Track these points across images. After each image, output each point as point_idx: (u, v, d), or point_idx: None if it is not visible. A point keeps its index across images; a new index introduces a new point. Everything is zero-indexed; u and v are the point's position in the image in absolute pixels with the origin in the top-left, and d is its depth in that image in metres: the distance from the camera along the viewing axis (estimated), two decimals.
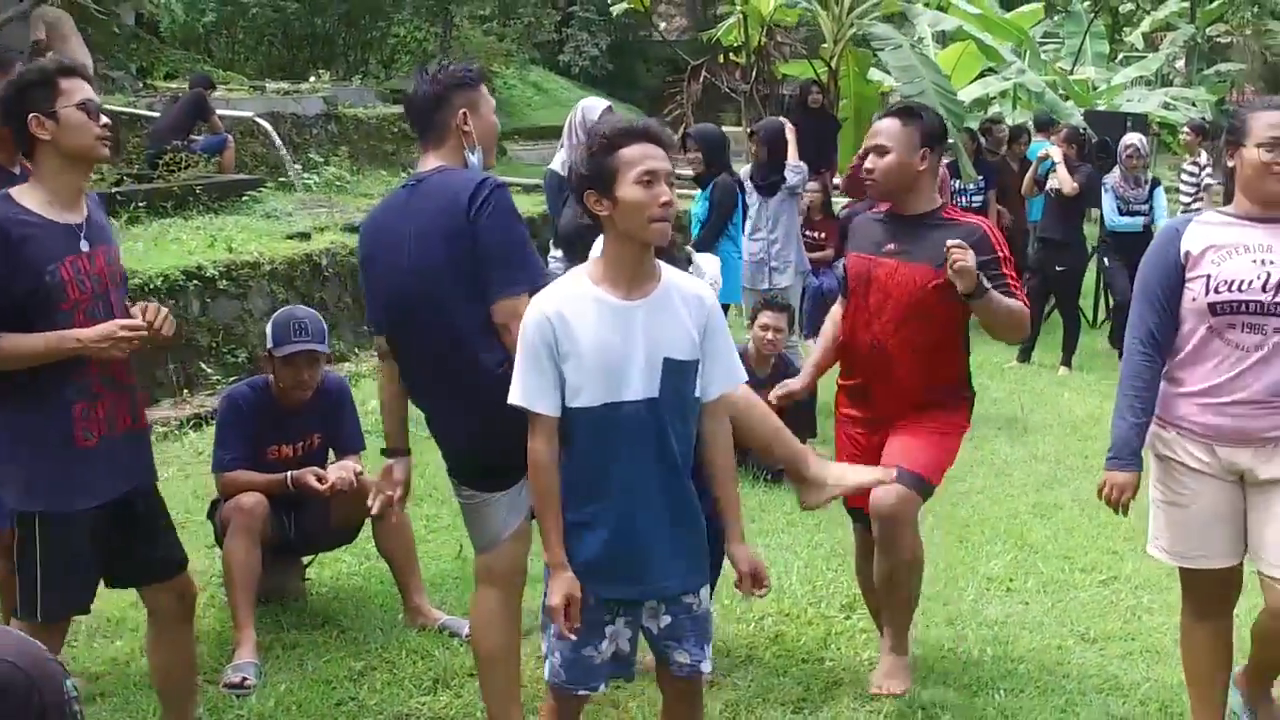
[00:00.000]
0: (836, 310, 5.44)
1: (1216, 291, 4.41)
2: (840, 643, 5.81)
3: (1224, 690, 4.82)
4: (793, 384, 5.43)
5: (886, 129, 5.10)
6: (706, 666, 4.04)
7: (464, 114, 4.44)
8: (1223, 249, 4.44)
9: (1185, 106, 26.01)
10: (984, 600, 6.39)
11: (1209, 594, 4.70)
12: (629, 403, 3.75)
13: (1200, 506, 4.58)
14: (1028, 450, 9.42)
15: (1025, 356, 12.70)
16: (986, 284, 4.80)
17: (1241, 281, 4.38)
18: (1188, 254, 4.49)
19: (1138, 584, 6.66)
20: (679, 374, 3.81)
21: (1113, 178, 12.64)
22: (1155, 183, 12.73)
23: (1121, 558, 7.06)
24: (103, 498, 4.17)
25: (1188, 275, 4.48)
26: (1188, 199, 16.46)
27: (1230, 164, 4.54)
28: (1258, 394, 4.40)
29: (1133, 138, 12.65)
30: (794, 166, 10.39)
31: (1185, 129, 17.52)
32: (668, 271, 3.91)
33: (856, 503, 5.24)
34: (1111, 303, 13.31)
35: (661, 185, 3.74)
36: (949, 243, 4.75)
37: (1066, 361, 12.51)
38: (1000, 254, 5.01)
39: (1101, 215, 13.14)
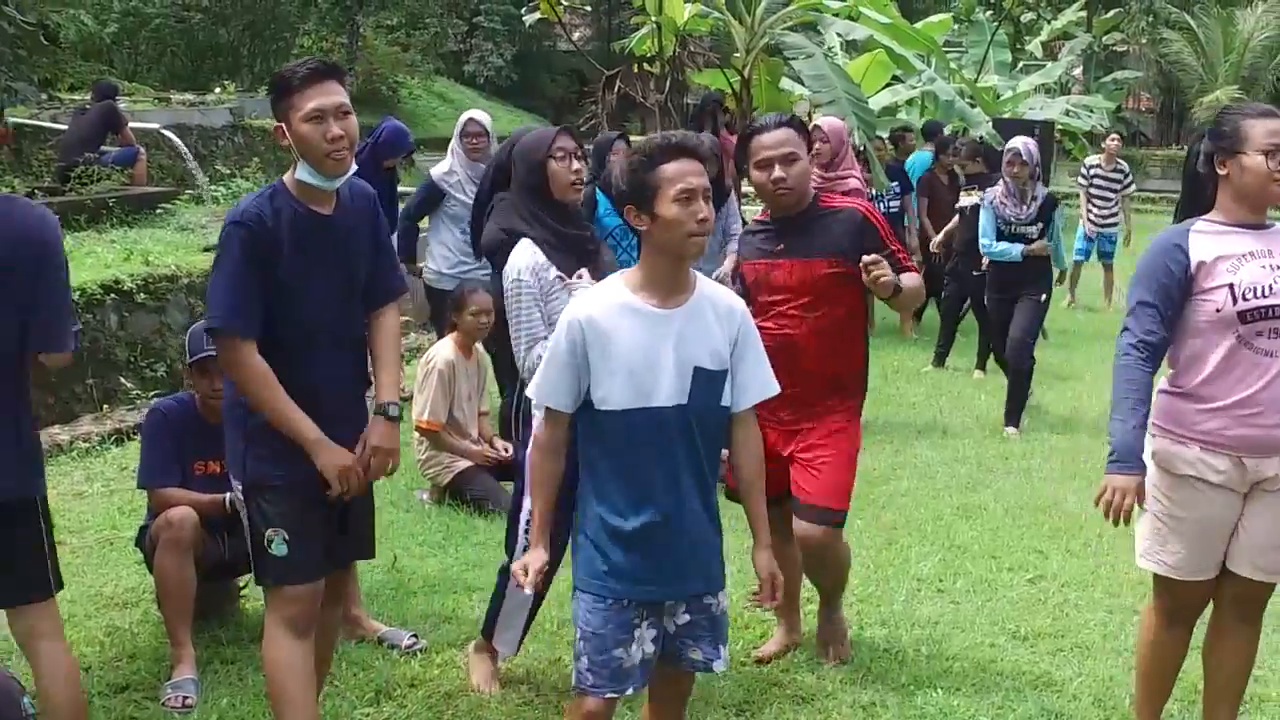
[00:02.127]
0: None
1: (1245, 299, 4.35)
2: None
3: (1170, 691, 4.91)
4: None
5: (790, 138, 5.25)
6: (720, 665, 4.13)
7: (280, 128, 4.33)
8: (1232, 257, 4.41)
9: (1085, 113, 26.43)
10: (915, 601, 6.46)
11: (1191, 603, 4.71)
12: (659, 408, 3.86)
13: (1209, 519, 4.52)
14: (949, 453, 9.53)
15: (940, 361, 12.82)
16: (899, 282, 5.04)
17: (1263, 287, 4.35)
18: (1200, 264, 4.42)
19: (1064, 581, 6.78)
20: (708, 383, 3.92)
21: (995, 193, 10.56)
22: (1051, 202, 10.53)
23: (1047, 556, 7.18)
24: None
25: (1204, 286, 4.42)
26: (1104, 208, 16.71)
27: (1222, 173, 4.49)
28: None
29: (1017, 141, 10.54)
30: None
31: (1113, 136, 17.71)
32: (702, 283, 4.02)
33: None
34: (992, 325, 11.18)
35: (699, 202, 3.86)
36: (864, 260, 4.94)
37: (981, 365, 12.62)
38: (881, 231, 5.28)
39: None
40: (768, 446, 5.17)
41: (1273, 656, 5.56)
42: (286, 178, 4.39)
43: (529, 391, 4.05)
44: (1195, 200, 4.63)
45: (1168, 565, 4.62)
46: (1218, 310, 4.40)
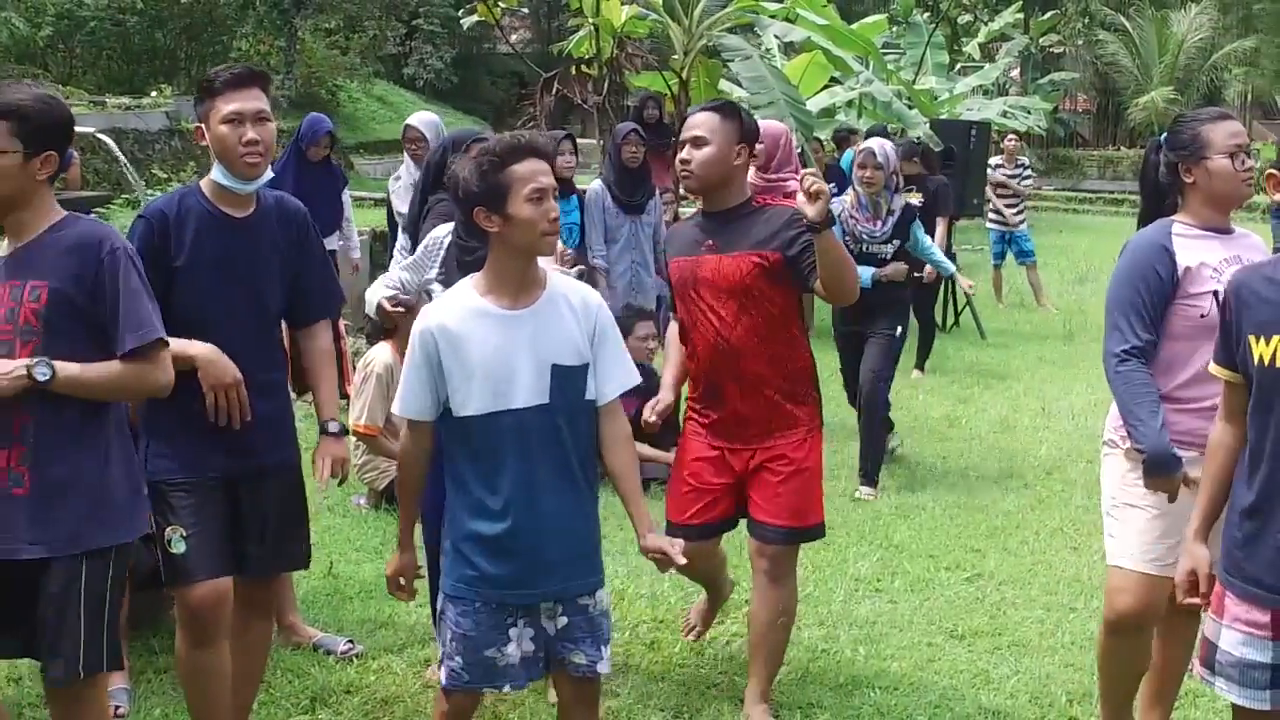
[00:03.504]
0: (673, 327, 5.43)
1: None
2: (716, 647, 5.85)
3: (1131, 697, 4.90)
4: (665, 399, 5.35)
5: (704, 121, 5.05)
6: (603, 667, 4.09)
7: (200, 129, 4.42)
8: (1213, 264, 4.44)
9: (1022, 114, 26.62)
10: (853, 601, 6.48)
11: (1160, 605, 4.66)
12: (518, 410, 3.86)
13: (1174, 515, 4.46)
14: (888, 452, 9.53)
15: None
16: (826, 223, 4.73)
17: None
18: (1187, 269, 4.45)
19: (1001, 580, 6.81)
20: (569, 380, 3.93)
21: (844, 202, 8.75)
22: (909, 214, 8.96)
23: (984, 555, 7.21)
24: None
25: (1189, 291, 4.44)
26: (1011, 206, 16.87)
27: (1188, 180, 4.50)
28: None
29: (873, 141, 8.80)
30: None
31: (1010, 136, 17.94)
32: (553, 279, 4.01)
33: (672, 517, 5.26)
34: (840, 365, 9.38)
35: (550, 200, 3.87)
36: (803, 171, 4.79)
37: (920, 366, 12.69)
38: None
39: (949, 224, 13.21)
40: (722, 478, 5.16)
41: None
42: (204, 179, 4.45)
43: (393, 407, 4.10)
44: (1159, 211, 4.64)
45: (1159, 563, 4.54)
46: (1202, 316, 4.41)
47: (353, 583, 6.53)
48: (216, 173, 4.37)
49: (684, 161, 5.06)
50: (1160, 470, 4.37)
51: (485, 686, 4.04)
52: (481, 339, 3.87)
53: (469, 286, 3.98)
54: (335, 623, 6.03)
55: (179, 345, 4.13)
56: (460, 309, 3.92)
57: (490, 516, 3.90)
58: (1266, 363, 3.59)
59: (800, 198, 4.70)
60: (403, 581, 4.19)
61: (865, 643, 5.92)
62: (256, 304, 4.49)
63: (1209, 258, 4.46)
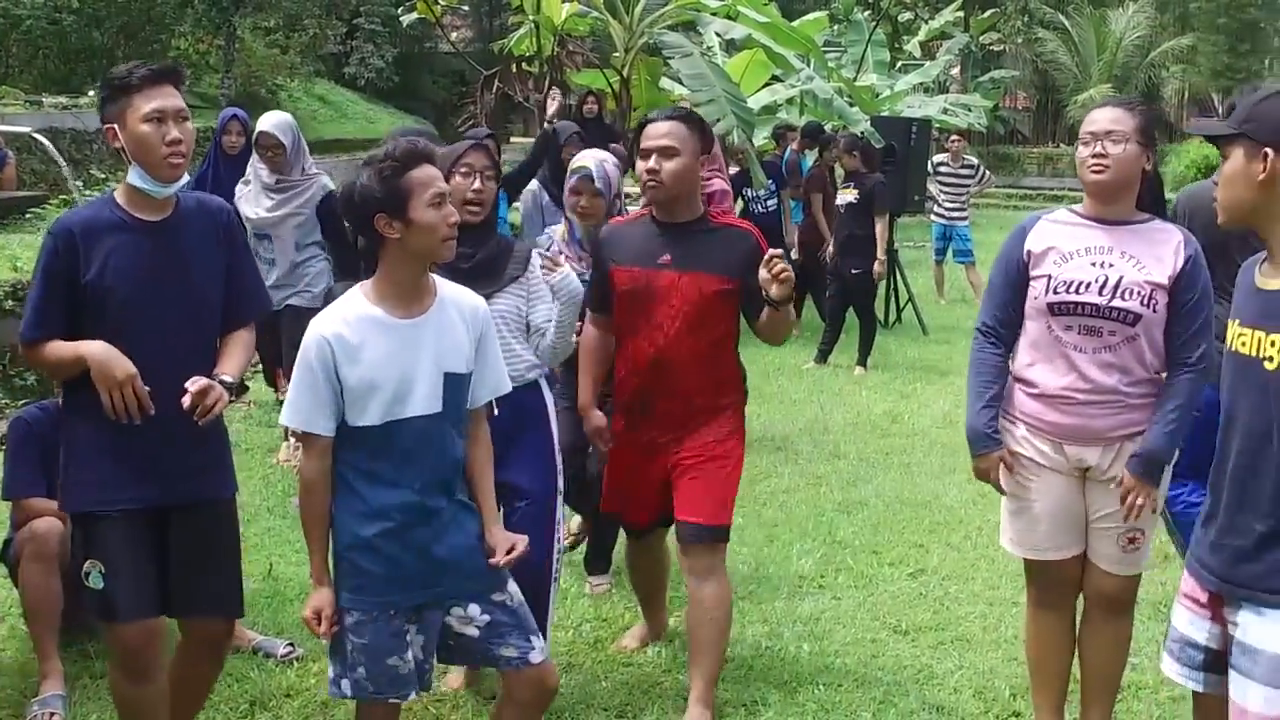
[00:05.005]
0: (590, 330, 5.39)
1: (1055, 292, 4.52)
2: (659, 646, 5.83)
3: (1065, 680, 4.94)
4: (597, 421, 5.37)
5: (673, 131, 5.01)
6: (536, 656, 4.10)
7: (112, 130, 4.14)
8: (1064, 250, 4.55)
9: (963, 112, 26.73)
10: (797, 598, 6.46)
11: (1052, 585, 4.79)
12: (413, 419, 3.87)
13: (1046, 501, 4.66)
14: (830, 449, 9.57)
15: (823, 358, 12.89)
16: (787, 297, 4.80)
17: (1080, 284, 4.49)
18: (1030, 252, 4.61)
19: (944, 575, 6.83)
20: (458, 387, 3.97)
21: (554, 234, 6.35)
22: None
23: (927, 550, 7.23)
24: None
25: (1033, 274, 4.60)
26: (952, 202, 17.00)
27: None
28: (1098, 394, 4.51)
29: (587, 159, 6.13)
30: None
31: (954, 137, 18.09)
32: (442, 286, 4.02)
33: (606, 508, 5.40)
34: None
35: (448, 205, 3.87)
36: (771, 252, 4.73)
37: (862, 362, 12.73)
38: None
39: (891, 221, 13.27)
40: (642, 474, 5.22)
41: (1149, 645, 5.61)
42: (118, 188, 4.25)
43: (282, 418, 3.98)
44: (1143, 205, 4.68)
45: (1015, 543, 4.80)
46: (1035, 298, 4.59)
47: (293, 584, 6.46)
48: (134, 176, 4.15)
49: (652, 172, 4.98)
50: (972, 451, 4.70)
51: (391, 696, 4.00)
52: (378, 348, 3.84)
53: (359, 295, 3.93)
54: (274, 625, 5.96)
55: (70, 346, 4.06)
56: (355, 318, 3.87)
57: (381, 524, 3.88)
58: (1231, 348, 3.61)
59: (764, 272, 4.69)
60: (324, 616, 3.92)
61: (809, 639, 5.91)
62: (186, 313, 4.27)
63: (1066, 244, 4.57)
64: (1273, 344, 3.42)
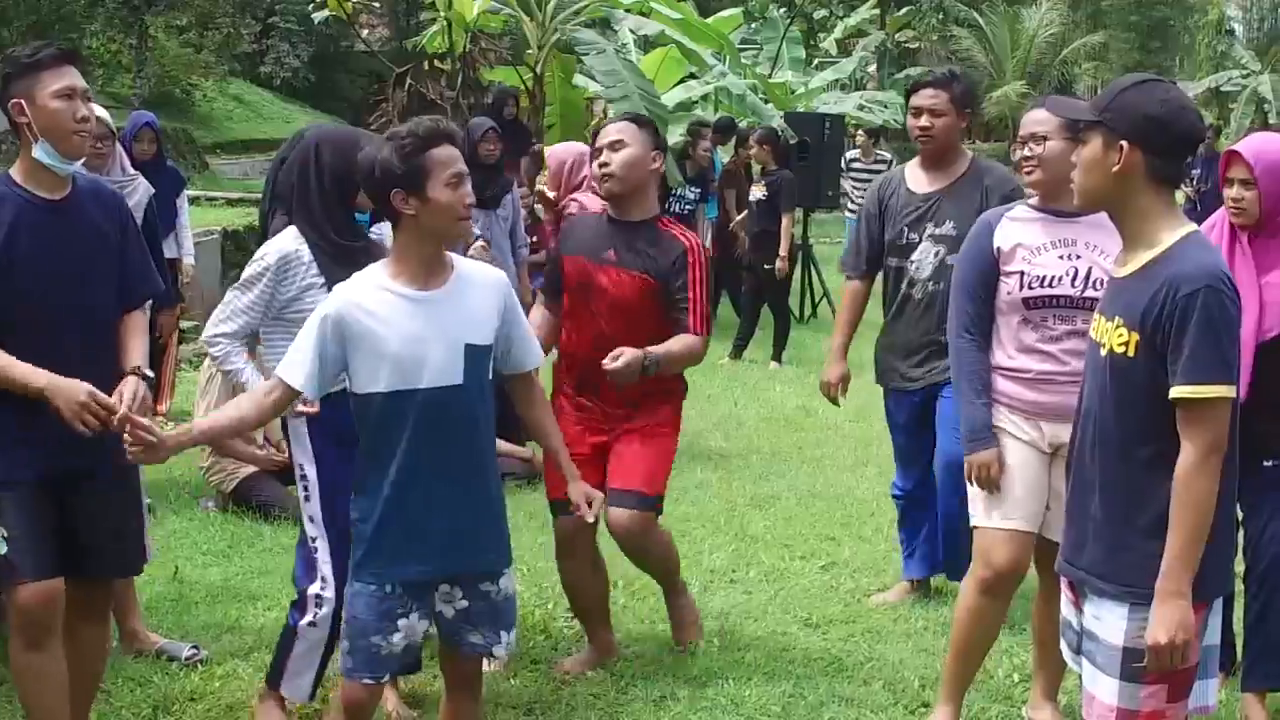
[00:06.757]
0: (540, 313, 5.53)
1: (1030, 288, 4.70)
2: (569, 644, 5.81)
3: (976, 669, 5.02)
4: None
5: (621, 129, 5.29)
6: (500, 651, 4.18)
7: (19, 104, 4.17)
8: (1032, 246, 4.73)
9: (879, 108, 26.89)
10: (708, 593, 6.44)
11: (1003, 564, 4.76)
12: (426, 389, 3.88)
13: (1019, 471, 4.75)
14: (743, 444, 9.59)
15: (738, 353, 12.92)
16: (651, 363, 5.01)
17: (1052, 277, 4.67)
18: (999, 249, 4.76)
19: (856, 568, 6.85)
20: (479, 359, 3.98)
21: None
22: None
23: (839, 544, 7.24)
24: None
25: (1004, 269, 4.75)
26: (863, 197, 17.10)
27: None
28: (1076, 376, 4.51)
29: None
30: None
31: (860, 132, 18.23)
32: (458, 261, 4.05)
33: (556, 494, 5.31)
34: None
35: (466, 185, 3.90)
36: (604, 364, 4.93)
37: (777, 357, 12.77)
38: (692, 274, 5.24)
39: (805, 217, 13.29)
40: (582, 450, 5.26)
41: None
42: (15, 166, 4.27)
43: (279, 370, 3.99)
44: None
45: (984, 512, 4.82)
46: (1009, 294, 4.73)
47: (198, 587, 6.39)
48: (39, 151, 4.17)
49: (604, 165, 5.22)
50: (972, 446, 4.79)
51: (366, 675, 4.02)
52: (394, 319, 3.88)
53: (379, 270, 3.98)
54: (179, 628, 5.89)
55: (18, 372, 4.10)
56: (373, 289, 3.93)
57: (389, 493, 3.92)
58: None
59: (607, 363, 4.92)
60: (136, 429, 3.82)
61: (720, 635, 5.88)
62: (84, 292, 4.33)
63: (1032, 239, 4.75)
64: (1110, 329, 3.49)
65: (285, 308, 4.68)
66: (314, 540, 4.70)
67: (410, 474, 3.90)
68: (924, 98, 5.91)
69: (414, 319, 3.89)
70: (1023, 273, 4.71)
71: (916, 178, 6.04)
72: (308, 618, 4.68)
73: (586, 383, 5.36)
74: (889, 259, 6.08)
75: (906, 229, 5.96)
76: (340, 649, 4.07)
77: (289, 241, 4.70)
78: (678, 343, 5.21)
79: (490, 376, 4.05)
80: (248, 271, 4.74)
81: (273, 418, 4.20)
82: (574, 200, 8.30)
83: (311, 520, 4.71)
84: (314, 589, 4.68)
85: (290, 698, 4.88)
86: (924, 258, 5.91)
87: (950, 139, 5.94)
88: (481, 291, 4.04)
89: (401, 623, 3.97)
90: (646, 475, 5.36)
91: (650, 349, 5.03)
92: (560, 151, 9.04)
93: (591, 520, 4.43)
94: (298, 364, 3.91)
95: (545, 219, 8.74)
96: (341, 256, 4.61)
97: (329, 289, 4.19)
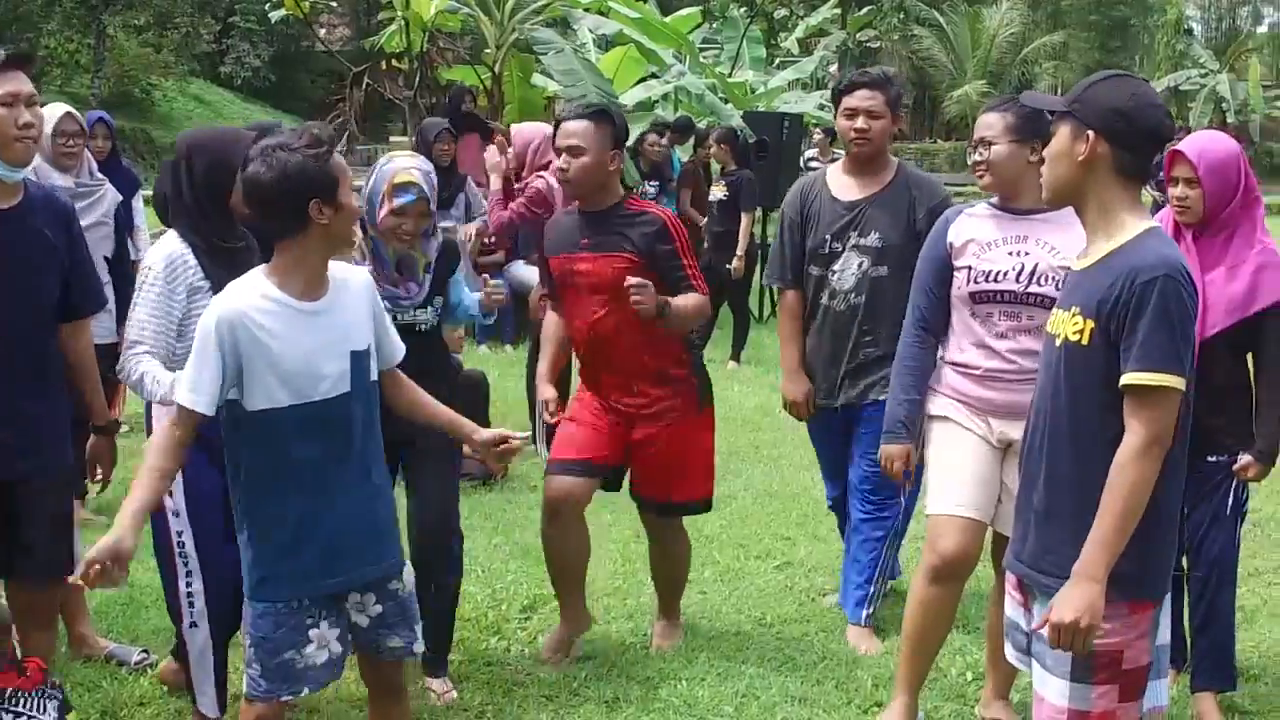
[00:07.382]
0: (549, 317, 5.77)
1: (975, 282, 4.76)
2: (522, 646, 5.79)
3: (931, 660, 5.03)
4: (549, 395, 5.67)
5: (581, 131, 5.32)
6: (419, 647, 4.14)
7: None
8: (983, 241, 4.80)
9: None
10: None
11: (953, 556, 4.78)
12: (321, 401, 3.78)
13: (968, 461, 4.80)
14: None
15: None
16: (666, 305, 5.17)
17: (998, 273, 4.72)
18: (951, 245, 4.85)
19: (810, 567, 6.84)
20: (364, 364, 3.90)
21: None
22: (449, 257, 5.31)
23: (794, 543, 7.24)
24: None
25: (955, 265, 4.83)
26: None
27: None
28: (1022, 374, 4.62)
29: (409, 168, 5.02)
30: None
31: (818, 130, 18.25)
32: (332, 267, 3.93)
33: (556, 455, 5.59)
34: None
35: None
36: (627, 283, 5.07)
37: (736, 356, 12.76)
38: (678, 244, 5.36)
39: (764, 216, 13.27)
40: (610, 426, 5.54)
41: None
42: None
43: (175, 394, 3.80)
44: None
45: (935, 500, 4.87)
46: (958, 289, 4.83)
47: (149, 591, 6.30)
48: None
49: (562, 169, 5.36)
50: (885, 439, 5.00)
51: (284, 692, 3.91)
52: (287, 334, 3.73)
53: (262, 279, 3.80)
54: (129, 633, 5.84)
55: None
56: (259, 300, 3.74)
57: (288, 511, 3.81)
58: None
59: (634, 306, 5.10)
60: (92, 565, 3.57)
61: None
62: (27, 299, 4.32)
63: (984, 235, 4.81)
64: (1066, 318, 3.50)
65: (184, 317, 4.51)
66: (179, 534, 4.61)
67: (314, 487, 3.80)
68: (860, 99, 5.69)
69: (307, 333, 3.77)
70: (970, 267, 4.78)
71: (842, 184, 5.85)
72: (186, 620, 4.65)
73: (591, 377, 5.60)
74: (810, 267, 5.87)
75: (830, 238, 5.79)
76: (247, 673, 3.92)
77: (172, 244, 4.55)
78: (688, 298, 5.32)
79: (374, 378, 3.97)
80: (138, 285, 4.54)
81: (186, 443, 3.78)
82: (540, 177, 8.26)
83: (176, 515, 4.60)
84: (184, 587, 4.65)
85: (206, 714, 4.81)
86: (846, 268, 5.75)
87: (884, 143, 5.77)
88: (355, 297, 3.94)
89: (313, 633, 3.88)
90: (660, 484, 5.68)
91: (665, 298, 5.20)
92: (526, 131, 9.10)
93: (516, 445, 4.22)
94: (201, 388, 3.69)
95: (493, 191, 8.59)
96: (222, 258, 4.50)
97: (215, 292, 4.06)
